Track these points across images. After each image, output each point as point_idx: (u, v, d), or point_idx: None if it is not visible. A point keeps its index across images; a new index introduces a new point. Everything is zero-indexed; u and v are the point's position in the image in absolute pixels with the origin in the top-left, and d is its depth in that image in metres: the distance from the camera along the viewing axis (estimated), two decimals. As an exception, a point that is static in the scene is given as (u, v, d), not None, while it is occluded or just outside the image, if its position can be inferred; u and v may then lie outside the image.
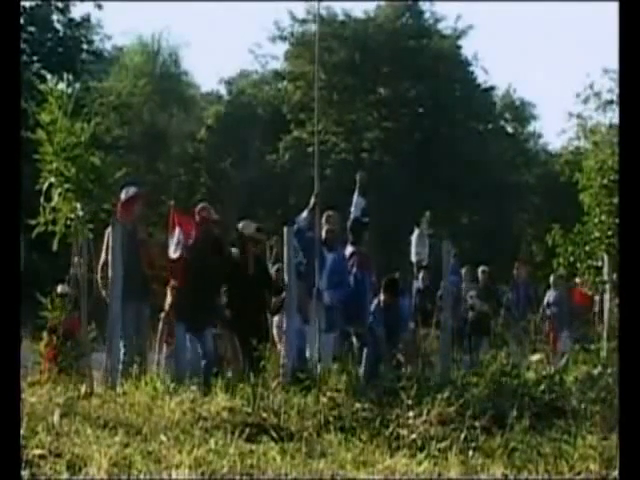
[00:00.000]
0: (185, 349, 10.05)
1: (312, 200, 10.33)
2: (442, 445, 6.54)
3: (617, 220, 10.42)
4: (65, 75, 9.11)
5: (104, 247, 9.81)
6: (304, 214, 10.37)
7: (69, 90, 8.94)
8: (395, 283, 11.85)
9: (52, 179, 8.91)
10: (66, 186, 8.89)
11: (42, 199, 8.93)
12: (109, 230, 9.79)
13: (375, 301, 11.56)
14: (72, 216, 8.94)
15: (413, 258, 16.13)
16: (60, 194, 8.89)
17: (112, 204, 9.94)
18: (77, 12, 31.94)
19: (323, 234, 10.57)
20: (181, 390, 8.04)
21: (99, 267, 9.85)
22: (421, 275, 15.83)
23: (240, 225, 10.62)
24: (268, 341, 9.96)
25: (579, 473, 6.14)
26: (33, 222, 8.64)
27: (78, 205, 8.91)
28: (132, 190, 10.43)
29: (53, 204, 8.91)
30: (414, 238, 16.33)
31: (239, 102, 41.00)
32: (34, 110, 8.99)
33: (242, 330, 9.89)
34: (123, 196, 10.24)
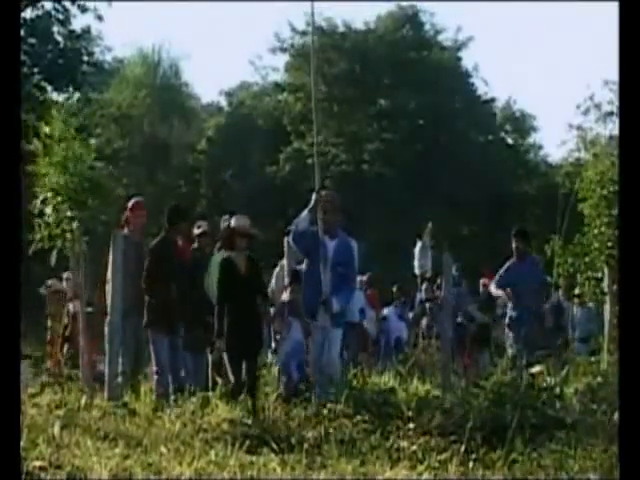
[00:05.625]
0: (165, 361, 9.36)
1: (313, 198, 9.06)
2: (442, 457, 6.50)
3: (617, 231, 10.40)
4: (65, 87, 9.21)
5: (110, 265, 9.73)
6: (304, 213, 9.05)
7: (72, 103, 8.99)
8: None
9: (48, 194, 8.91)
10: (59, 198, 8.90)
11: (36, 215, 8.99)
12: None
13: None
14: (67, 229, 8.97)
15: (416, 270, 16.16)
16: (54, 209, 8.90)
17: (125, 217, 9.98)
18: (77, 24, 32.00)
19: (319, 217, 9.01)
20: (181, 401, 8.04)
21: (106, 286, 9.73)
22: (424, 287, 15.85)
23: (233, 220, 9.54)
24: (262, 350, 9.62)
25: (579, 485, 6.13)
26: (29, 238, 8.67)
27: (73, 218, 8.94)
28: (137, 201, 10.42)
29: (48, 219, 8.94)
30: (417, 250, 16.35)
31: (239, 113, 41.08)
32: (34, 123, 9.02)
33: (235, 338, 8.71)
34: (129, 207, 10.21)
